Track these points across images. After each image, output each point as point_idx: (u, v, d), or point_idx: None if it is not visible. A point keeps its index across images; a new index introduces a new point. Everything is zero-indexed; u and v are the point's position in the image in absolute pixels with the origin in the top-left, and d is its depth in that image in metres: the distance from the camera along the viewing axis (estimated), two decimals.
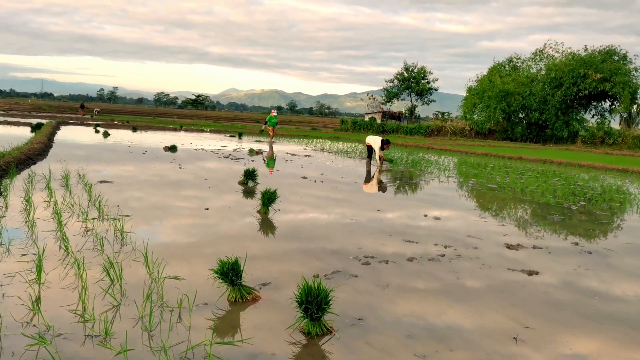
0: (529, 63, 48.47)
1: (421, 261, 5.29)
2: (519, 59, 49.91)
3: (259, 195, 8.58)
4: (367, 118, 61.46)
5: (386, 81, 67.32)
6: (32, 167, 10.65)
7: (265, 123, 25.26)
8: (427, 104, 67.39)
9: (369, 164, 16.02)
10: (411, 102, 66.63)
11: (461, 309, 4.02)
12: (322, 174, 12.52)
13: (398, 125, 51.55)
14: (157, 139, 22.73)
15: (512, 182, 12.91)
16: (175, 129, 31.67)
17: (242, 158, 15.34)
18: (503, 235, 6.81)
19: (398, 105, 71.10)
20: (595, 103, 44.46)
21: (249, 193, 9.13)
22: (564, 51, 45.99)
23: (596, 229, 7.91)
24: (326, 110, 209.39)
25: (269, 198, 7.27)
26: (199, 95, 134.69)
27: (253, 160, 14.90)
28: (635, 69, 41.22)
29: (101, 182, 9.10)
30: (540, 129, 44.46)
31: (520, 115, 46.44)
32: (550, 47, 46.72)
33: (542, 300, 4.35)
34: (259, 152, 17.50)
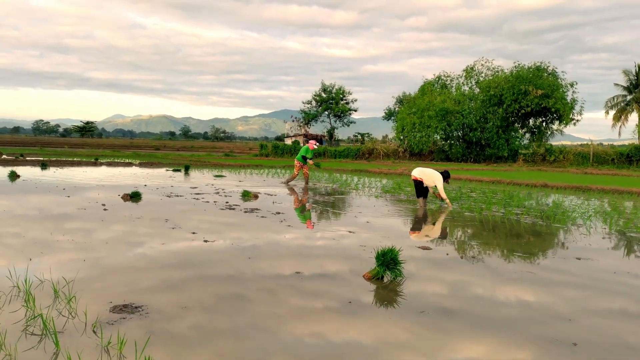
0: (460, 80, 47.14)
1: None
2: (448, 76, 48.54)
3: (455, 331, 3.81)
4: (289, 141, 57.20)
5: (304, 103, 63.83)
6: None
7: (315, 159, 17.18)
8: (347, 126, 64.75)
9: (424, 206, 11.65)
10: (330, 124, 63.55)
11: None
12: (427, 236, 7.99)
13: (324, 149, 47.89)
14: (88, 177, 16.78)
15: None
16: (93, 163, 25.04)
17: (258, 209, 10.23)
18: None
19: (315, 128, 67.82)
20: (533, 120, 43.65)
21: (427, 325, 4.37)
22: (494, 68, 45.10)
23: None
24: (222, 135, 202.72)
25: None
26: (87, 123, 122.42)
27: (279, 213, 9.89)
28: (571, 84, 40.90)
29: (118, 312, 3.93)
30: (481, 148, 42.77)
31: (458, 134, 44.59)
32: (481, 64, 45.67)
33: None
34: (256, 196, 12.46)
